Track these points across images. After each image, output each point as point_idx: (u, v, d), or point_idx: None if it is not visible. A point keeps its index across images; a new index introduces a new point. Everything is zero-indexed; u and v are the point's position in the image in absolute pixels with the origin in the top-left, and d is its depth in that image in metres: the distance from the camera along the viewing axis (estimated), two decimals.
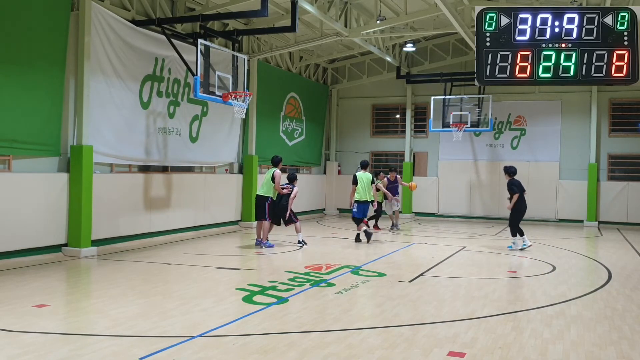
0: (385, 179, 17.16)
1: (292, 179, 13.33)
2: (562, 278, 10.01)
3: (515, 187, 13.17)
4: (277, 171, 12.83)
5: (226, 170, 16.98)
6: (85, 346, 5.74)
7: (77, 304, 7.92)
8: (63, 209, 11.24)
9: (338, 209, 22.79)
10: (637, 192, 19.73)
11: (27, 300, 7.63)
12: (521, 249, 13.10)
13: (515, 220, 13.24)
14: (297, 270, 10.17)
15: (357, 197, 14.07)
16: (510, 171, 13.41)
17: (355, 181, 14.15)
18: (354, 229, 14.82)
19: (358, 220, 14.17)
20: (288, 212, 13.04)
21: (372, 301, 7.95)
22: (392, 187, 17.07)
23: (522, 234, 13.27)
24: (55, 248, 11.16)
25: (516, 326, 6.78)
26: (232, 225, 16.69)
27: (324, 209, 22.82)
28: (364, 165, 14.48)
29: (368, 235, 14.00)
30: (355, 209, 14.13)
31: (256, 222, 13.33)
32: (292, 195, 13.03)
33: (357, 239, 14.15)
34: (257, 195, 13.05)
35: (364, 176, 14.20)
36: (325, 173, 23.10)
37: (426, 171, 22.38)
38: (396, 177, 17.40)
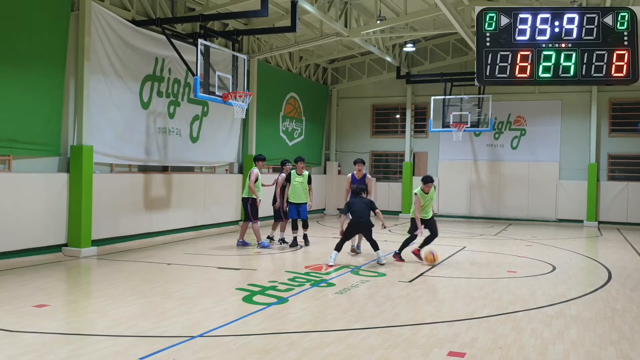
0: (350, 175, 12.16)
1: (283, 163, 13.47)
2: (562, 278, 10.01)
3: (346, 206, 10.90)
4: (254, 170, 12.81)
5: (226, 170, 16.98)
6: (85, 346, 5.74)
7: (77, 304, 7.92)
8: (63, 209, 11.24)
9: (338, 209, 22.76)
10: (637, 192, 19.73)
11: (27, 300, 7.63)
12: (330, 265, 10.58)
13: (345, 236, 10.90)
14: (297, 270, 10.18)
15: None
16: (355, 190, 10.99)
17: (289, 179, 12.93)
18: None
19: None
20: (284, 205, 12.93)
21: (372, 301, 7.95)
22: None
23: (338, 250, 10.84)
24: (56, 248, 11.16)
25: (516, 326, 6.78)
26: (232, 225, 16.68)
27: (324, 209, 22.81)
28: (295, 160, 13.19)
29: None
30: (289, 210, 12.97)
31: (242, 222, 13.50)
32: (278, 189, 13.04)
33: (295, 243, 13.09)
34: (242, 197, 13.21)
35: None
36: (325, 173, 23.09)
37: (426, 171, 22.28)
38: (365, 174, 12.18)
